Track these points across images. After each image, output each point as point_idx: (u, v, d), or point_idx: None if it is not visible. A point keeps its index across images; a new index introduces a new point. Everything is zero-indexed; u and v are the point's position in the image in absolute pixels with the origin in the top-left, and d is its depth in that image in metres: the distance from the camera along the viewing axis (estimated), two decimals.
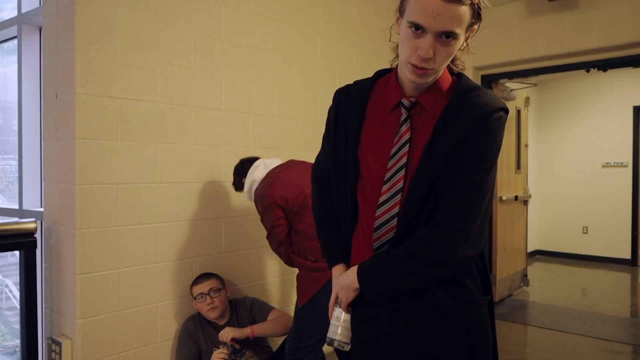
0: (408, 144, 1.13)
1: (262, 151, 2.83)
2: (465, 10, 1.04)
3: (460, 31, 1.06)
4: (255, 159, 2.40)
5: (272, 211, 2.15)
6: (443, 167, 1.07)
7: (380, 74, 1.27)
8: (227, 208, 2.65)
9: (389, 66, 1.26)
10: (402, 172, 1.12)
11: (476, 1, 1.06)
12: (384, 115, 1.20)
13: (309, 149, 3.11)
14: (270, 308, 2.47)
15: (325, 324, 1.30)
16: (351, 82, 1.30)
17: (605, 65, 3.88)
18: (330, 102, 1.32)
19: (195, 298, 2.34)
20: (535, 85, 6.66)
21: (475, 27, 1.13)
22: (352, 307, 1.27)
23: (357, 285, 1.18)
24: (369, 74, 1.30)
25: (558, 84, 6.94)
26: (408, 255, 1.10)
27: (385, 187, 1.14)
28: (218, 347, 2.30)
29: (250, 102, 2.77)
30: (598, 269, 6.24)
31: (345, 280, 1.21)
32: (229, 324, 2.38)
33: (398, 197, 1.12)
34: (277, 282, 2.93)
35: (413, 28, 1.05)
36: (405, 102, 1.15)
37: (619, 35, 3.60)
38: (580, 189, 6.76)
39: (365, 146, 1.19)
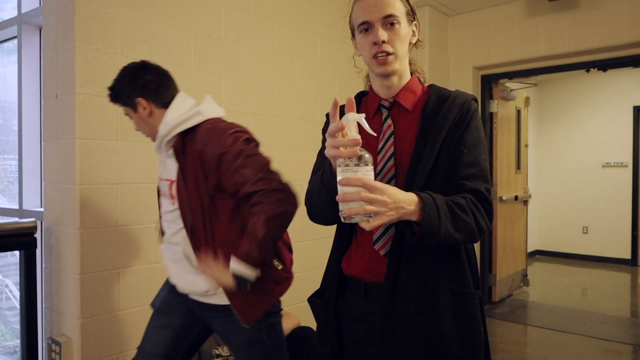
0: (392, 137, 1.24)
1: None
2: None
3: (399, 14, 1.22)
4: (168, 75, 1.73)
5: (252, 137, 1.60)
6: (440, 150, 1.19)
7: (362, 94, 1.39)
8: None
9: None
10: (392, 161, 1.22)
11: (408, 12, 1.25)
12: (369, 122, 1.23)
13: (309, 149, 3.11)
14: None
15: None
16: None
17: (605, 65, 3.88)
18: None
19: None
20: (535, 85, 6.66)
21: (416, 22, 1.30)
22: (344, 304, 1.28)
23: (414, 217, 1.05)
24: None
25: (558, 84, 6.94)
26: (472, 212, 1.13)
27: (377, 179, 1.20)
28: (217, 349, 2.29)
29: (250, 102, 2.77)
30: (598, 269, 6.24)
31: (405, 202, 1.03)
32: None
33: (392, 184, 1.20)
34: None
35: (363, 30, 1.23)
36: (384, 102, 1.29)
37: (619, 35, 3.60)
38: (580, 189, 6.76)
39: None
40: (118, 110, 2.20)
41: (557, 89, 6.97)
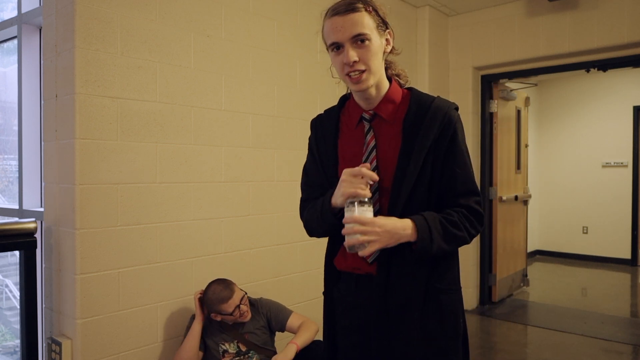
0: (375, 150, 1.30)
1: (262, 151, 2.83)
2: (361, 16, 1.23)
3: (368, 31, 1.23)
4: None
5: None
6: (423, 167, 1.25)
7: (344, 99, 1.45)
8: (227, 208, 2.66)
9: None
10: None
11: (370, 7, 1.25)
12: (352, 132, 1.37)
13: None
14: (289, 312, 2.43)
15: None
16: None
17: (605, 65, 3.88)
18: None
19: (230, 314, 2.25)
20: (535, 85, 6.67)
21: (389, 30, 1.31)
22: (338, 293, 1.39)
23: (412, 239, 1.21)
24: None
25: (558, 84, 6.94)
26: (464, 225, 1.27)
27: None
28: (224, 345, 2.29)
29: (250, 102, 2.77)
30: (598, 269, 6.24)
31: (400, 228, 1.19)
32: (239, 322, 2.36)
33: (376, 197, 1.28)
34: (276, 282, 2.93)
35: (335, 49, 1.26)
36: (365, 115, 1.34)
37: (619, 35, 3.61)
38: (580, 189, 6.76)
39: (342, 163, 1.35)
40: (118, 110, 2.20)
41: (557, 89, 6.97)
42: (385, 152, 1.29)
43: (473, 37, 4.32)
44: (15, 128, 2.83)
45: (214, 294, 2.25)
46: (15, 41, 2.84)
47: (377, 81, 1.29)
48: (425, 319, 1.27)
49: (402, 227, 1.20)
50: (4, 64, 3.38)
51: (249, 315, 2.32)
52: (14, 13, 2.79)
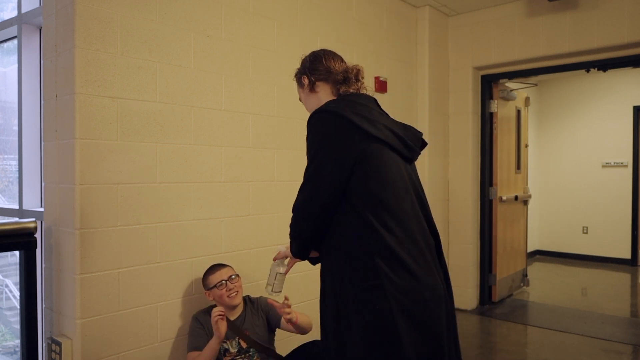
0: None
1: (262, 151, 2.83)
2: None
3: (298, 94, 1.93)
4: None
5: None
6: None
7: None
8: (227, 208, 2.66)
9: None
10: None
11: (295, 76, 1.86)
12: None
13: None
14: None
15: None
16: None
17: (605, 65, 3.88)
18: None
19: (215, 287, 2.30)
20: (535, 85, 6.67)
21: (301, 76, 1.86)
22: None
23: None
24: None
25: (558, 84, 6.94)
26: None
27: None
28: (225, 344, 2.29)
29: (250, 102, 2.77)
30: (598, 269, 6.24)
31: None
32: (239, 319, 2.35)
33: None
34: None
35: None
36: None
37: (619, 35, 3.61)
38: (580, 189, 6.76)
39: None
40: (118, 110, 2.20)
41: (557, 89, 6.97)
42: None
43: (473, 37, 4.32)
44: (15, 128, 2.83)
45: (208, 268, 2.41)
46: (15, 41, 2.84)
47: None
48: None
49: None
50: (4, 64, 3.38)
51: (238, 300, 2.32)
52: (14, 13, 2.79)
